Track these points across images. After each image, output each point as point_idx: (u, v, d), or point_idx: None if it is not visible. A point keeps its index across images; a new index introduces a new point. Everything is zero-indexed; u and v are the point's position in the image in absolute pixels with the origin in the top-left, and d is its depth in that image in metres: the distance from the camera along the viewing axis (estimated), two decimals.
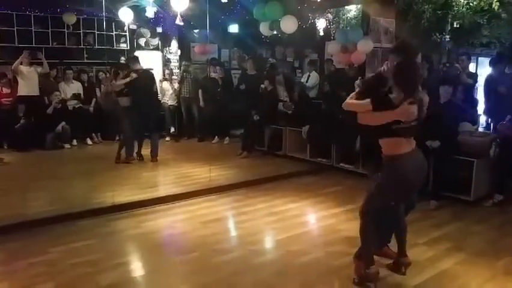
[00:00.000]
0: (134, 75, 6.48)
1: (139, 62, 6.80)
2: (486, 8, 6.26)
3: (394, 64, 2.98)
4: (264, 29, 7.03)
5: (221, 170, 6.34)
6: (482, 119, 7.06)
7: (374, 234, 3.14)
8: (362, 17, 6.97)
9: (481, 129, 6.56)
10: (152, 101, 6.96)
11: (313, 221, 4.72)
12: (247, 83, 7.74)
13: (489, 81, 6.36)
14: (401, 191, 3.05)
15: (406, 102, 2.81)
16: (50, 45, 8.83)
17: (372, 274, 3.09)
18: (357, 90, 3.15)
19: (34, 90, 7.82)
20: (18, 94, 7.76)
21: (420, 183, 3.13)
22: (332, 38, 7.95)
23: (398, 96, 2.86)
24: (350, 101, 3.07)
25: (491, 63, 6.54)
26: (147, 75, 6.83)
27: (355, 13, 7.89)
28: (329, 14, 8.49)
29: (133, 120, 6.57)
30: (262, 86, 7.61)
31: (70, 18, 8.49)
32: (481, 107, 6.82)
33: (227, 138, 8.60)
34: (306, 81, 8.36)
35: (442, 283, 3.19)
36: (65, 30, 8.94)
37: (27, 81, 7.71)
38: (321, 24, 8.68)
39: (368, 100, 2.91)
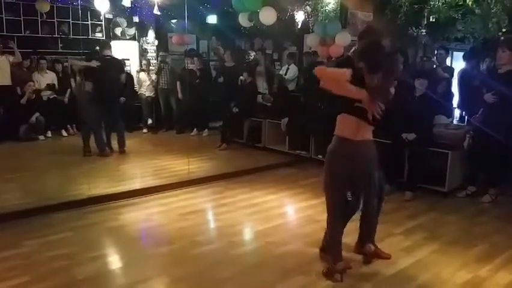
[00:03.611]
0: (94, 62, 6.28)
1: (108, 48, 6.58)
2: (461, 3, 6.38)
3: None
4: (242, 20, 6.99)
5: (200, 162, 6.31)
6: (457, 112, 7.22)
7: (338, 230, 3.18)
8: (340, 10, 7.01)
9: (455, 122, 6.71)
10: (116, 91, 6.65)
11: (292, 212, 4.76)
12: (225, 75, 7.70)
13: (463, 75, 6.50)
14: (333, 173, 3.04)
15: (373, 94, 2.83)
16: (23, 34, 8.59)
17: (339, 270, 3.12)
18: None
19: (6, 80, 7.57)
20: None
21: (346, 177, 3.02)
22: (311, 30, 7.97)
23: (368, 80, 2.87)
24: (325, 68, 2.97)
25: (464, 58, 6.68)
26: (112, 64, 6.56)
27: (333, 6, 7.91)
28: (307, 7, 8.49)
29: (94, 110, 6.37)
30: (242, 78, 7.58)
31: (44, 6, 8.23)
32: (455, 100, 6.97)
33: (206, 130, 8.55)
34: (285, 74, 8.38)
35: (418, 272, 3.26)
36: (39, 18, 8.70)
37: None
38: (299, 16, 8.68)
39: (349, 70, 2.80)
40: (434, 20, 7.11)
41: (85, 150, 6.52)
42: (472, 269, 3.31)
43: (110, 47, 6.63)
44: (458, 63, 8.00)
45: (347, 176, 3.02)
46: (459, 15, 6.58)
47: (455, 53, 8.88)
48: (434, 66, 6.65)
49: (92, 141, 6.58)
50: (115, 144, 6.84)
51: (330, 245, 3.22)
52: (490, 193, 4.93)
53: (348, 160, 2.96)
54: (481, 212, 4.64)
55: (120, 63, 6.79)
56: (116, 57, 6.78)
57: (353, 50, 3.24)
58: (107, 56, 6.52)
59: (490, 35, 6.75)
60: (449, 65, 7.46)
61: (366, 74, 2.88)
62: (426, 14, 7.02)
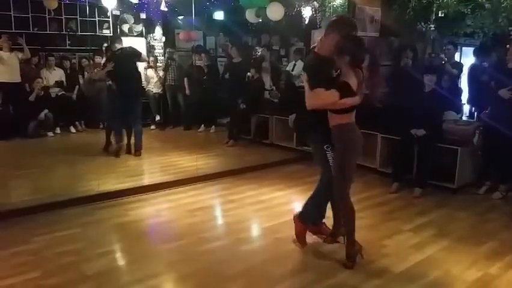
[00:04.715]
0: (110, 65, 6.15)
1: (119, 42, 6.37)
2: None
3: (337, 40, 3.07)
4: (250, 16, 6.98)
5: (207, 159, 6.31)
6: (466, 108, 7.15)
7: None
8: (348, 5, 6.94)
9: (464, 118, 6.65)
10: (135, 82, 6.40)
11: (300, 209, 4.73)
12: (233, 71, 7.68)
13: (472, 71, 6.43)
14: (356, 153, 3.24)
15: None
16: (31, 31, 8.63)
17: (358, 249, 3.26)
18: (305, 79, 3.16)
19: (15, 77, 7.62)
20: None
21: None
22: (318, 26, 7.91)
23: (347, 75, 3.02)
24: (316, 99, 3.06)
25: (474, 53, 6.61)
26: (125, 54, 6.28)
27: (341, 1, 7.85)
28: (315, 2, 8.44)
29: (118, 106, 6.26)
30: (249, 74, 7.56)
31: (52, 3, 8.26)
32: (464, 96, 6.90)
33: (213, 126, 8.56)
34: (292, 70, 8.34)
35: (427, 269, 3.23)
36: (47, 15, 8.75)
37: (8, 67, 7.49)
38: (307, 12, 8.64)
39: (334, 90, 2.99)
40: (443, 15, 7.03)
41: (106, 147, 6.50)
42: (482, 267, 3.28)
43: (121, 41, 6.44)
44: (467, 58, 7.92)
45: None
46: (468, 10, 6.49)
47: (464, 48, 8.78)
48: (443, 62, 6.58)
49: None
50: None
51: (351, 225, 3.26)
52: (500, 190, 4.88)
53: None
54: (491, 209, 4.59)
55: (132, 51, 6.40)
56: (127, 46, 6.42)
57: (317, 43, 3.27)
58: (118, 50, 6.30)
59: (500, 30, 6.67)
60: (458, 61, 7.38)
61: (349, 67, 3.02)
62: (435, 9, 6.94)
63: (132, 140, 6.58)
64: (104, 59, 6.82)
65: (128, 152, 6.53)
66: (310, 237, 3.75)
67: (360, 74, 3.05)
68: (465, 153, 5.00)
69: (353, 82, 3.01)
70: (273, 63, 8.95)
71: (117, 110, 6.34)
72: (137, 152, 6.46)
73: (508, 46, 5.02)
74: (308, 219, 3.59)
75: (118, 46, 6.34)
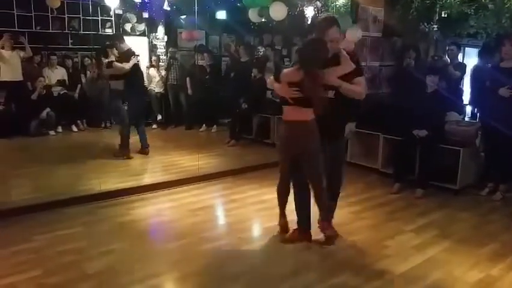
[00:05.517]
0: (136, 58, 6.05)
1: (124, 41, 6.32)
2: None
3: None
4: (252, 15, 6.96)
5: (209, 158, 6.31)
6: (469, 109, 7.14)
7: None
8: (351, 5, 6.92)
9: (467, 119, 6.64)
10: (140, 82, 6.51)
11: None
12: (239, 71, 7.66)
13: (475, 72, 6.41)
14: (281, 150, 3.64)
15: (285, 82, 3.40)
16: (33, 30, 8.63)
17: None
18: None
19: (17, 76, 7.62)
20: (0, 79, 7.57)
21: (290, 151, 3.52)
22: None
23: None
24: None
25: (479, 55, 6.60)
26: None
27: (344, 1, 7.84)
28: (317, 2, 8.43)
29: (129, 106, 6.21)
30: (252, 74, 7.55)
31: (54, 2, 8.22)
32: (466, 97, 6.89)
33: (215, 126, 8.55)
34: None
35: (428, 270, 3.23)
36: (49, 14, 8.74)
37: (10, 66, 7.50)
38: (309, 12, 8.62)
39: (272, 78, 3.65)
40: (446, 16, 7.01)
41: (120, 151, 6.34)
42: (484, 268, 3.27)
43: (124, 40, 6.41)
44: (470, 59, 7.90)
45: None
46: (471, 10, 6.47)
47: (467, 49, 8.76)
48: (447, 63, 6.57)
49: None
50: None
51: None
52: (501, 190, 4.87)
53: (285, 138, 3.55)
54: (493, 210, 4.58)
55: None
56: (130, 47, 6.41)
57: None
58: (130, 49, 6.27)
59: (503, 31, 6.65)
60: (461, 61, 7.36)
61: (299, 67, 3.29)
62: (438, 10, 6.92)
63: (132, 140, 6.52)
64: (105, 60, 6.76)
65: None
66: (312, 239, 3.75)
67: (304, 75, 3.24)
68: (467, 154, 4.98)
69: (288, 75, 3.37)
70: (277, 63, 8.94)
71: (129, 110, 6.28)
72: (146, 149, 6.46)
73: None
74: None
75: (126, 45, 6.27)
